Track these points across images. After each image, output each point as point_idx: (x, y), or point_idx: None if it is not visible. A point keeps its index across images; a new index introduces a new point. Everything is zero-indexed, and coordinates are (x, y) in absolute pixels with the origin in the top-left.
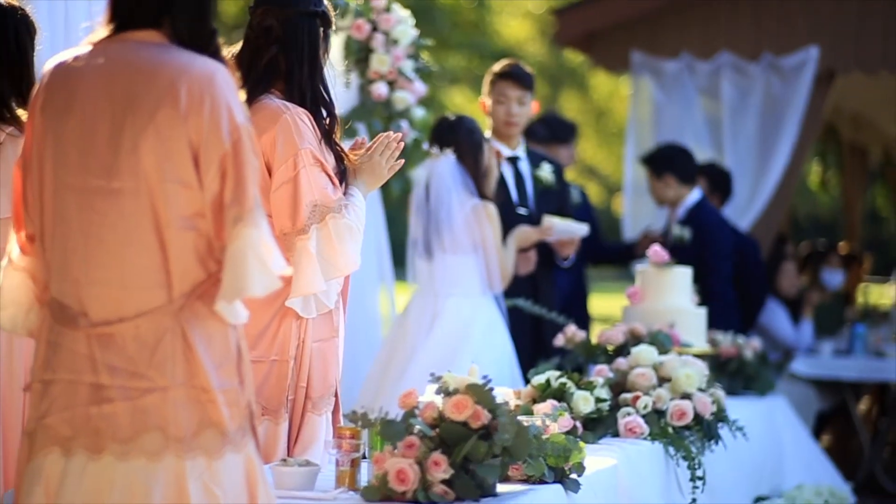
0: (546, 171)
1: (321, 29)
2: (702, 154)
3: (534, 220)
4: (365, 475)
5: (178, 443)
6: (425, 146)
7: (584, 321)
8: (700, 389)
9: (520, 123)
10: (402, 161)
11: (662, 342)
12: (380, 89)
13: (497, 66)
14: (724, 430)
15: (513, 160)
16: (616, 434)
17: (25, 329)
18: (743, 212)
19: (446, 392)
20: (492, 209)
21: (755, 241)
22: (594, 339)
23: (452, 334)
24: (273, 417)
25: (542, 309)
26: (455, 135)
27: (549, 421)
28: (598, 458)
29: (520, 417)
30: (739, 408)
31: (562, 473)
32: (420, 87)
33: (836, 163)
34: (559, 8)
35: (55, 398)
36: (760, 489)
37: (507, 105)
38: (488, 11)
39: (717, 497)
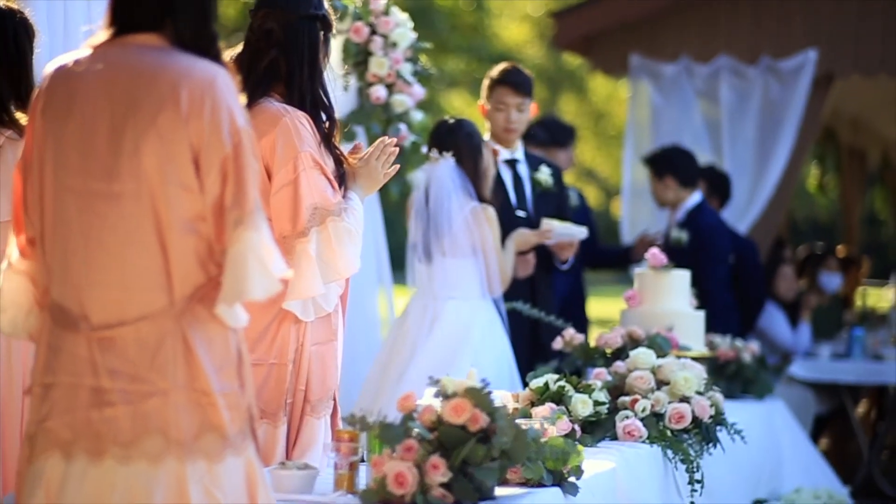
0: (545, 174)
1: (321, 33)
2: (700, 157)
3: (532, 223)
4: (363, 478)
5: (179, 446)
6: (424, 150)
7: (582, 324)
8: (698, 393)
9: (519, 129)
10: (398, 165)
11: (661, 345)
12: (378, 92)
13: (495, 71)
14: (722, 434)
15: (511, 163)
16: (614, 437)
17: (25, 332)
18: (741, 215)
19: (445, 395)
20: (491, 212)
21: (754, 243)
22: (592, 343)
23: (451, 337)
24: (271, 421)
25: (541, 312)
26: (454, 138)
27: (548, 424)
28: (596, 461)
29: (518, 421)
30: (738, 411)
31: (560, 477)
32: (419, 91)
33: (834, 166)
34: (558, 11)
35: (56, 402)
36: (758, 492)
37: (506, 112)
38: (487, 14)
39: (715, 500)
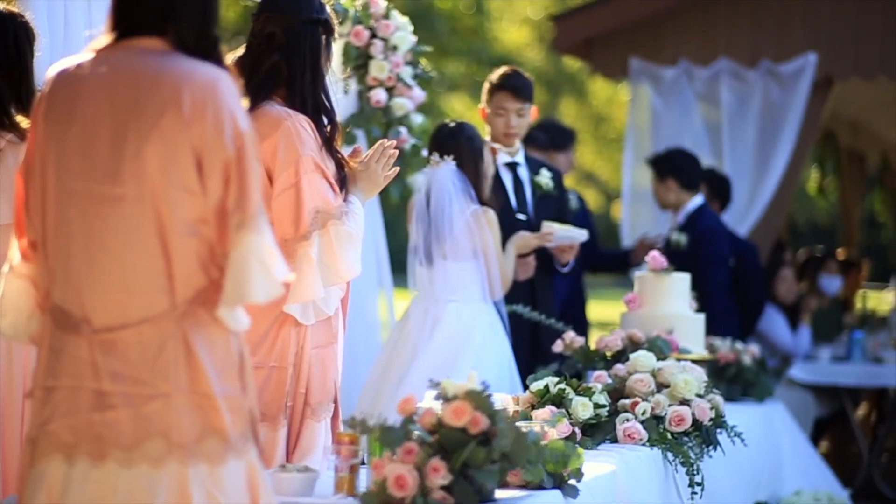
0: (545, 178)
1: (323, 37)
2: (701, 160)
3: (533, 226)
4: (364, 481)
5: (181, 449)
6: (424, 153)
7: (582, 327)
8: (698, 395)
9: (519, 134)
10: (398, 168)
11: (661, 348)
12: (378, 96)
13: (495, 76)
14: (722, 436)
15: (512, 166)
16: (614, 440)
17: (26, 336)
18: (741, 217)
19: (445, 398)
20: (492, 215)
21: (754, 246)
22: (593, 345)
23: (452, 340)
24: (271, 424)
25: (541, 315)
26: (455, 142)
27: (548, 427)
28: (596, 463)
29: (518, 423)
30: (738, 414)
31: (560, 479)
32: (419, 94)
33: (834, 169)
34: (558, 14)
35: (57, 405)
36: (759, 495)
37: (505, 117)
38: (487, 18)
39: (715, 503)
